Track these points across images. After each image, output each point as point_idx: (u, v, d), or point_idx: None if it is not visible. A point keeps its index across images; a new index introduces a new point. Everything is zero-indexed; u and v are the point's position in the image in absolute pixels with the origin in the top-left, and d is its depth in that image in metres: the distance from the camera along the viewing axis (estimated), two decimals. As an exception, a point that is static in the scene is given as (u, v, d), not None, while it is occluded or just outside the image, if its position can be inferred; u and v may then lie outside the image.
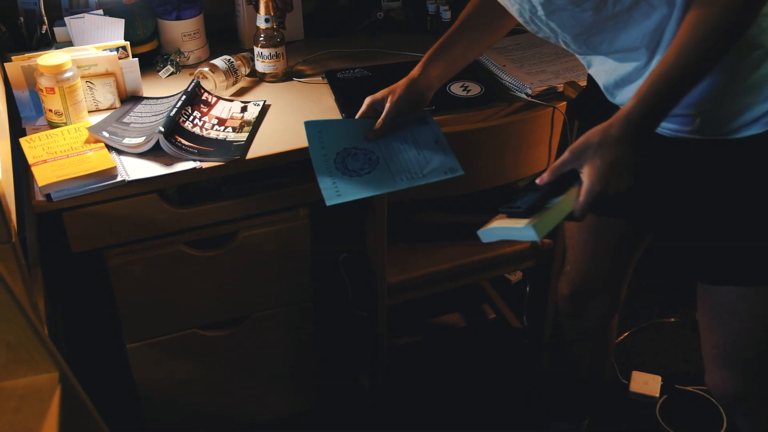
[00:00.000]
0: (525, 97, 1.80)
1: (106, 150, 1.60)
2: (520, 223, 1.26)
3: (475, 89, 1.82)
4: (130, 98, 1.80)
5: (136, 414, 1.90)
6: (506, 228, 1.29)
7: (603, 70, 1.37)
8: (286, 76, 1.92)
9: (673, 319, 2.43)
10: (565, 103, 1.77)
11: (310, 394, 2.06)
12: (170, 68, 1.92)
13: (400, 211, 2.02)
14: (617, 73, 1.33)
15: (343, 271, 2.13)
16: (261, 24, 1.85)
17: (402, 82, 1.56)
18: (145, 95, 1.81)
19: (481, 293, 2.47)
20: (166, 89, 1.83)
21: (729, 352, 1.47)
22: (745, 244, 1.34)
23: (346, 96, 1.80)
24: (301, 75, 1.94)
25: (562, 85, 1.80)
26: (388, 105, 1.55)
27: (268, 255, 1.76)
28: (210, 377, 1.90)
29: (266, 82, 1.91)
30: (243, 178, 1.68)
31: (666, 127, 1.33)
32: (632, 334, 2.37)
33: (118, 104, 1.77)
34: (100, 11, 1.84)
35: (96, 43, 1.78)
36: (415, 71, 1.55)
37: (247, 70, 1.92)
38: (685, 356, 2.31)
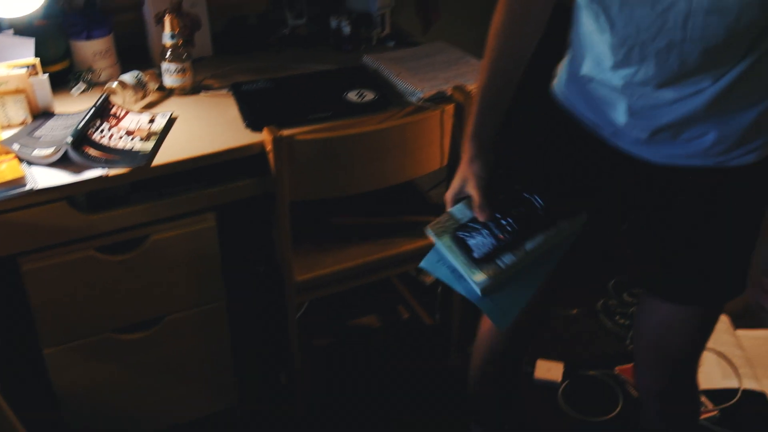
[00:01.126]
0: (416, 101, 1.94)
1: (16, 161, 1.67)
2: (472, 273, 1.29)
3: (369, 96, 1.95)
4: (42, 114, 1.88)
5: (57, 421, 1.95)
6: (454, 268, 1.32)
7: (676, 100, 1.25)
8: (193, 89, 2.03)
9: (574, 311, 2.58)
10: (453, 105, 1.91)
11: (231, 393, 2.14)
12: (82, 85, 2.01)
13: (308, 213, 2.13)
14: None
15: (258, 272, 2.22)
16: (167, 41, 1.96)
17: (473, 170, 1.40)
18: (57, 112, 1.89)
19: (396, 295, 2.59)
20: (78, 106, 1.92)
21: (663, 359, 1.57)
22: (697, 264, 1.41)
23: (250, 106, 1.91)
24: (208, 89, 2.04)
25: (450, 89, 1.94)
26: (477, 195, 1.39)
27: (178, 258, 1.84)
28: (130, 380, 1.96)
29: (175, 96, 2.01)
30: (152, 185, 1.77)
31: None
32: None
33: (29, 120, 1.85)
34: (11, 31, 1.92)
35: (6, 62, 1.86)
36: (474, 151, 1.40)
37: (156, 85, 2.01)
38: (585, 345, 2.45)
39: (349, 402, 2.26)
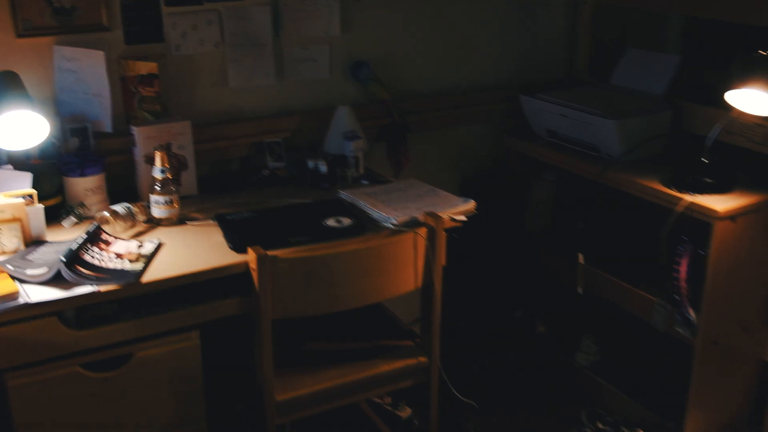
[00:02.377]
0: (391, 226, 2.07)
1: (9, 279, 1.75)
2: None
3: (346, 221, 2.08)
4: (34, 242, 1.97)
5: None
6: None
7: None
8: (180, 220, 2.15)
9: None
10: (425, 229, 2.05)
11: None
12: (73, 219, 2.11)
13: (287, 339, 2.19)
14: None
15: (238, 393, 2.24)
16: (157, 174, 2.10)
17: None
18: (48, 240, 1.99)
19: (372, 428, 2.59)
20: (69, 236, 2.01)
21: None
22: None
23: (234, 231, 2.03)
24: (194, 220, 2.16)
25: (422, 215, 2.09)
26: None
27: (162, 376, 1.88)
28: None
29: (162, 226, 2.12)
30: (140, 306, 1.85)
31: None
32: None
33: (22, 247, 1.94)
34: (10, 166, 2.05)
35: (4, 192, 1.97)
36: None
37: (145, 217, 2.13)
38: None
39: None
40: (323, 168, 2.41)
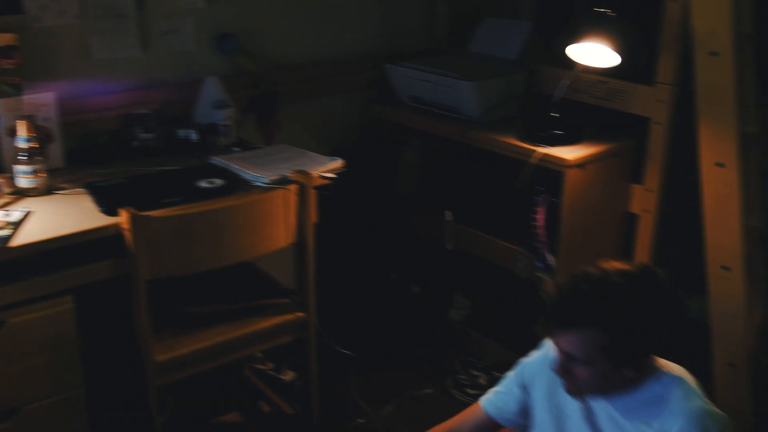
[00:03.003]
0: (263, 185, 2.13)
1: None
2: None
3: (218, 182, 2.13)
4: None
5: None
6: None
7: None
8: (48, 190, 2.13)
9: (426, 390, 2.73)
10: (296, 185, 2.12)
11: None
12: (-66, 193, 2.06)
13: (168, 304, 2.21)
14: None
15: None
16: (21, 144, 2.08)
17: None
18: None
19: (256, 393, 2.65)
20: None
21: None
22: None
23: (104, 197, 2.03)
24: (62, 189, 2.15)
25: (293, 174, 2.16)
26: None
27: (36, 343, 1.87)
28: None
29: (29, 196, 2.10)
30: (12, 273, 1.83)
31: None
32: (395, 408, 2.64)
33: None
34: None
35: None
36: None
37: (10, 189, 2.10)
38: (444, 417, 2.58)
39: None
40: (194, 136, 2.43)
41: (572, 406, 1.64)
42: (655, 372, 1.55)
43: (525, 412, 1.75)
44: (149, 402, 2.07)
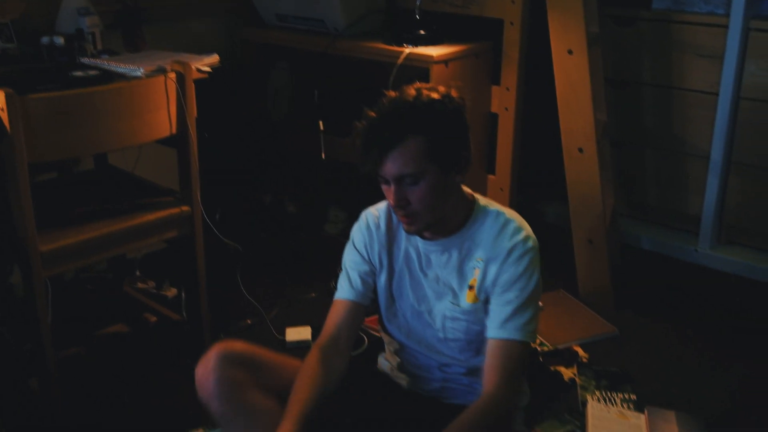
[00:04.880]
0: (140, 75, 2.13)
1: None
2: None
3: (94, 73, 2.11)
4: None
5: None
6: None
7: None
8: None
9: (312, 294, 2.81)
10: (174, 73, 2.13)
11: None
12: None
13: (52, 205, 2.16)
14: None
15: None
16: None
17: None
18: None
19: (141, 306, 2.63)
20: None
21: None
22: None
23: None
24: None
25: (170, 64, 2.17)
26: None
27: None
28: None
29: None
30: None
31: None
32: (281, 309, 2.70)
33: None
34: None
35: None
36: None
37: None
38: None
39: (106, 403, 2.23)
40: (59, 41, 2.38)
41: (409, 258, 1.75)
42: (483, 210, 1.70)
43: (374, 284, 1.80)
44: (36, 302, 2.01)
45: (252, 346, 1.72)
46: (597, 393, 2.23)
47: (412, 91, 1.60)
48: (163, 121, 2.14)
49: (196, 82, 2.23)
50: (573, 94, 2.57)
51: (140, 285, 2.79)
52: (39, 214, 1.97)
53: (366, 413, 1.75)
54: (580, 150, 2.62)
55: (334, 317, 1.76)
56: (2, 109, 1.84)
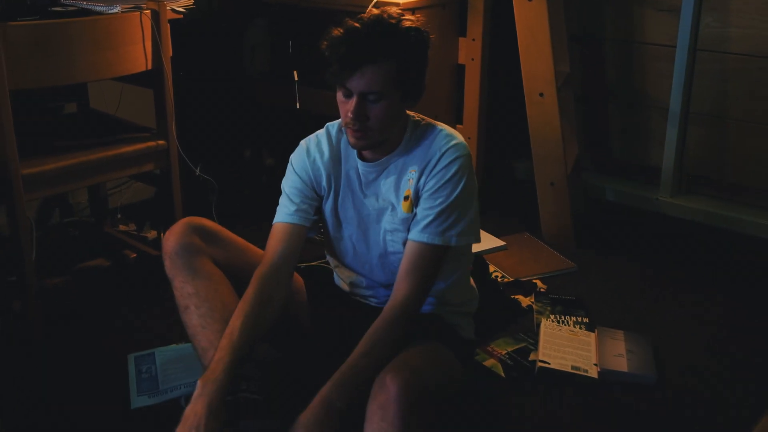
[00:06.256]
0: (117, 11, 2.24)
1: None
2: None
3: (72, 9, 2.23)
4: None
5: None
6: None
7: None
8: None
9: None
10: (149, 11, 2.25)
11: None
12: None
13: (31, 134, 2.28)
14: None
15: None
16: None
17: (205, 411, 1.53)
18: None
19: (122, 245, 2.74)
20: None
21: None
22: None
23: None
24: None
25: (145, 3, 2.29)
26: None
27: None
28: None
29: None
30: None
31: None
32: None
33: None
34: None
35: None
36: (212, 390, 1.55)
37: None
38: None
39: (88, 327, 2.34)
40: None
41: (350, 180, 1.82)
42: (416, 125, 1.79)
43: (319, 208, 1.86)
44: (19, 228, 2.12)
45: (218, 225, 1.87)
46: (552, 317, 2.36)
47: (394, 14, 1.66)
48: (138, 56, 2.26)
49: (172, 23, 2.35)
50: (533, 39, 2.69)
51: (122, 227, 2.91)
52: (22, 145, 2.09)
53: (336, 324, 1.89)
54: (541, 95, 2.74)
55: (275, 243, 1.78)
56: (-16, 36, 1.95)
